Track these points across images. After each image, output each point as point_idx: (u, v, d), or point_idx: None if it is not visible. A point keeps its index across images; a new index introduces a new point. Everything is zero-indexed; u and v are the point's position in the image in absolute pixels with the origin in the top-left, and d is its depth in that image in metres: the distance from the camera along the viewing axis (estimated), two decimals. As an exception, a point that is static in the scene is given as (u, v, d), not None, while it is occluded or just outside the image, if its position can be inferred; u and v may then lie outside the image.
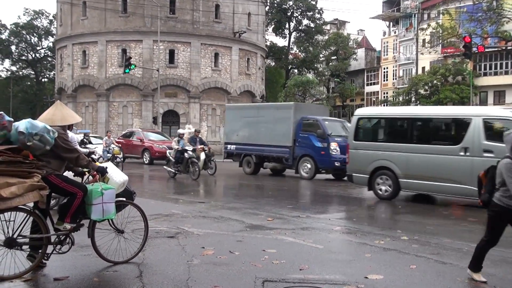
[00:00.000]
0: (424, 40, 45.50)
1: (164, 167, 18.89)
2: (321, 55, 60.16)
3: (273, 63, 63.70)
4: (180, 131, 19.05)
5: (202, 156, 18.00)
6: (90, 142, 19.18)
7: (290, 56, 61.53)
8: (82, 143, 17.19)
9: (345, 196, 13.72)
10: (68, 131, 5.44)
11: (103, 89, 40.52)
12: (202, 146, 18.47)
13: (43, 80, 75.72)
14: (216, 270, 5.48)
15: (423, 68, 51.95)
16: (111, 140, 20.63)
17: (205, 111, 41.74)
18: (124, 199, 5.68)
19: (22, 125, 4.80)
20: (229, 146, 21.77)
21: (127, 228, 5.82)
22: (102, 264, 5.53)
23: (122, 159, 20.82)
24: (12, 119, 4.80)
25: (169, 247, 6.54)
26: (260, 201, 11.80)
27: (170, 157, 18.27)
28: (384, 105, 55.42)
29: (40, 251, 5.08)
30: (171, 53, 40.22)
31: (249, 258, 6.00)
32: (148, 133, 29.01)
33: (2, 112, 4.77)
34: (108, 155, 19.36)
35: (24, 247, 4.99)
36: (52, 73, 70.25)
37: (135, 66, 34.39)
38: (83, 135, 19.64)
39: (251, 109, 22.54)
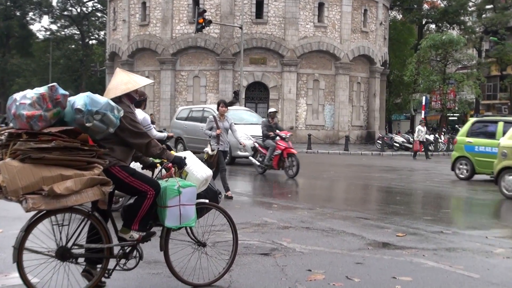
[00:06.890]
0: None
1: (250, 158, 18.66)
2: (470, 4, 58.10)
3: (401, 16, 62.39)
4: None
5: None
6: None
7: (426, 6, 60.01)
8: None
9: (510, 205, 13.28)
10: (139, 110, 5.64)
11: (168, 54, 41.70)
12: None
13: (90, 42, 79.25)
14: (330, 302, 5.52)
15: None
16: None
17: (304, 83, 41.79)
18: (207, 201, 5.79)
19: (80, 100, 4.98)
20: None
21: (208, 239, 5.98)
22: (176, 286, 5.72)
23: None
24: (67, 93, 4.99)
25: (263, 268, 6.65)
26: (385, 209, 11.68)
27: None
28: None
29: (99, 266, 5.31)
30: (259, 4, 40.59)
31: (375, 288, 5.98)
32: None
33: (55, 84, 5.00)
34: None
35: (79, 259, 5.20)
36: (102, 33, 73.49)
37: (210, 22, 34.89)
38: None
39: None
